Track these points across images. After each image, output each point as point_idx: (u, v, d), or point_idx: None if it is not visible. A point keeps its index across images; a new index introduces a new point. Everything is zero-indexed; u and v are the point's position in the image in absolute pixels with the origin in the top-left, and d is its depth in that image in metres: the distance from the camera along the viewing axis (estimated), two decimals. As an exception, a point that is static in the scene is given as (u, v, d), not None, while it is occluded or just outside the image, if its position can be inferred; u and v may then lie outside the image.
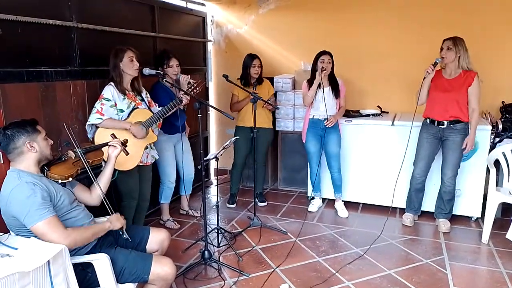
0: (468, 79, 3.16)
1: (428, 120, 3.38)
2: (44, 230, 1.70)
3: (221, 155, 3.04)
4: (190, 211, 3.86)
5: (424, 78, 3.18)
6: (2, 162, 1.92)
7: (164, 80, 3.01)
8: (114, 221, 2.01)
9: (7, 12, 2.30)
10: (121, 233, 2.04)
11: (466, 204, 3.64)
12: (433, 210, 3.66)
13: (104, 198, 2.08)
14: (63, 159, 2.01)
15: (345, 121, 3.91)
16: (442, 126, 3.29)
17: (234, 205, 4.10)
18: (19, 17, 2.39)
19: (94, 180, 2.08)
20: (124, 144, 2.21)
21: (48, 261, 1.53)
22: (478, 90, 3.17)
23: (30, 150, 1.84)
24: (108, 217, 2.05)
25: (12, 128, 1.83)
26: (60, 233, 1.72)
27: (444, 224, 3.47)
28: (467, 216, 3.69)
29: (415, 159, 3.50)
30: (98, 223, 2.02)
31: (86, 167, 2.01)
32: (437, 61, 3.17)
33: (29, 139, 1.84)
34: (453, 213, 3.58)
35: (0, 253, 1.54)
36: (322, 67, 3.52)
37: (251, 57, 3.81)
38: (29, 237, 1.70)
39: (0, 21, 2.12)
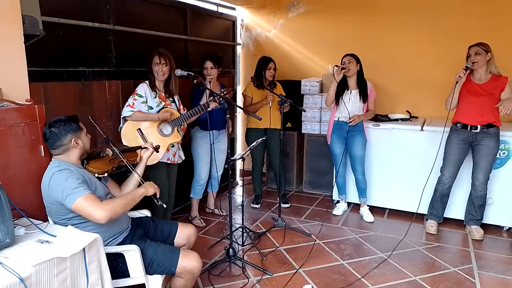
0: (501, 84, 3.12)
1: (459, 125, 3.31)
2: (84, 206, 1.76)
3: (247, 155, 3.09)
4: (215, 209, 3.93)
5: (457, 82, 3.14)
6: (43, 155, 2.02)
7: (194, 81, 3.09)
8: (148, 187, 2.05)
9: (50, 15, 2.45)
10: (155, 200, 2.05)
11: (498, 213, 3.53)
12: (459, 218, 3.58)
13: (141, 179, 2.20)
14: (101, 155, 2.13)
15: (373, 125, 3.88)
16: (475, 131, 3.22)
17: (258, 206, 4.13)
18: (61, 19, 2.54)
19: (133, 170, 2.21)
20: (156, 149, 2.37)
21: (84, 249, 1.63)
22: (511, 95, 3.11)
23: (75, 147, 1.94)
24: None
25: (58, 126, 1.90)
26: (99, 206, 1.78)
27: (477, 232, 3.38)
28: (499, 226, 3.58)
29: (443, 165, 3.43)
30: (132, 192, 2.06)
31: (124, 162, 2.15)
32: (468, 66, 3.12)
33: (74, 136, 1.93)
34: (484, 222, 3.48)
35: (40, 240, 1.64)
36: (341, 67, 3.50)
37: (266, 60, 3.81)
38: (66, 225, 1.80)
39: (44, 23, 2.24)
